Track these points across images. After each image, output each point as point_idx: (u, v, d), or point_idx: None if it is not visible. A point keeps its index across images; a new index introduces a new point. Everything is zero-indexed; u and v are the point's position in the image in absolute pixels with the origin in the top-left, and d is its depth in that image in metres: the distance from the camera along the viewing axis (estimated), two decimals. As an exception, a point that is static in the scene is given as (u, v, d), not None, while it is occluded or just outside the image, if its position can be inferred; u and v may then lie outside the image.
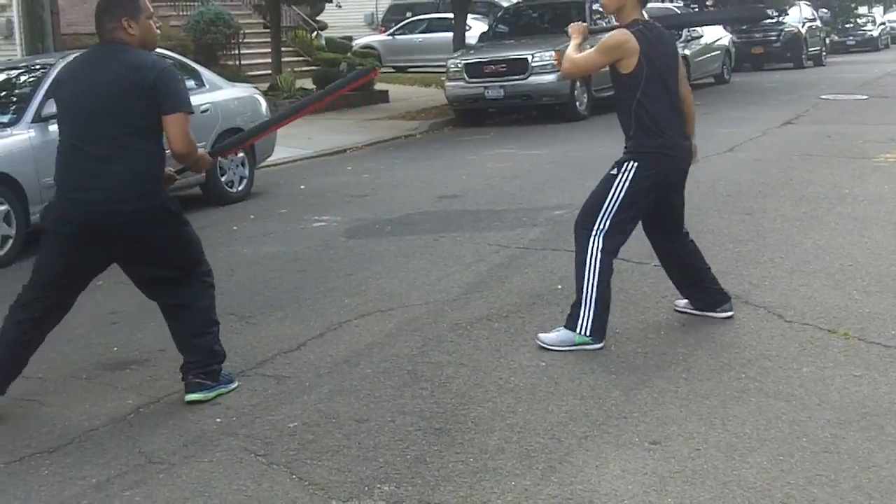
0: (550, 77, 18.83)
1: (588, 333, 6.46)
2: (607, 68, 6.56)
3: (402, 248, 9.90)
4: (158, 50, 14.41)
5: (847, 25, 48.32)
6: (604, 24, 9.72)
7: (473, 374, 6.28)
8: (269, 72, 25.92)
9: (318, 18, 34.19)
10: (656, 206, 6.70)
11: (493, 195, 12.31)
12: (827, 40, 39.79)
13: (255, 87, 15.96)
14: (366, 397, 6.02)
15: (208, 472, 5.14)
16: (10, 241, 10.34)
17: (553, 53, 17.29)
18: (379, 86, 27.61)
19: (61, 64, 11.69)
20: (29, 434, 5.85)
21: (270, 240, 10.90)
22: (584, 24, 6.83)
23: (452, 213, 11.46)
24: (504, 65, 20.11)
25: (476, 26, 30.70)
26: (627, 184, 6.44)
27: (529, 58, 19.65)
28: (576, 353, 6.49)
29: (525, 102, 20.33)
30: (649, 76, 6.38)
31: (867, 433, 5.10)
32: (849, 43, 46.38)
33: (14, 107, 11.41)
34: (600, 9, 17.57)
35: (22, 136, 10.78)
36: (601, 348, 6.49)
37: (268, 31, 27.86)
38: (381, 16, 42.64)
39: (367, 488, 4.84)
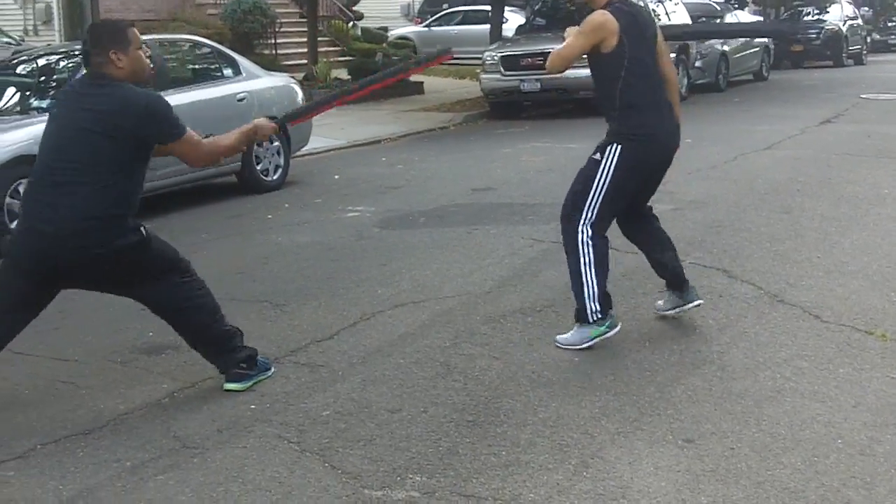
0: (587, 71, 18.61)
1: (599, 316, 6.41)
2: None
3: (435, 239, 9.90)
4: (194, 37, 14.56)
5: (889, 24, 47.88)
6: None
7: (506, 367, 6.28)
8: (305, 61, 25.95)
9: (354, 8, 34.18)
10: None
11: (527, 188, 12.30)
12: (868, 38, 39.55)
13: (292, 77, 15.97)
14: (398, 388, 6.03)
15: (242, 458, 5.16)
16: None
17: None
18: (414, 77, 27.59)
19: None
20: (65, 416, 5.88)
21: (304, 229, 10.92)
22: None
23: (486, 206, 11.45)
24: (541, 58, 19.92)
25: (513, 19, 30.62)
26: (612, 168, 6.36)
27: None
28: (609, 348, 6.48)
29: (561, 96, 20.24)
30: (632, 54, 6.29)
31: (903, 436, 5.07)
32: (890, 42, 45.90)
33: (53, 92, 11.47)
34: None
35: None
36: (618, 331, 6.47)
37: (304, 20, 27.87)
38: (417, 7, 42.63)
39: (399, 478, 4.85)
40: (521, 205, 11.25)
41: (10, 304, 5.83)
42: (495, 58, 21.33)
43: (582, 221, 6.40)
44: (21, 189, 9.74)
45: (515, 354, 6.49)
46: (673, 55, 22.31)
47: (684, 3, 24.29)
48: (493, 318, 7.23)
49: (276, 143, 13.73)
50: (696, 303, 6.89)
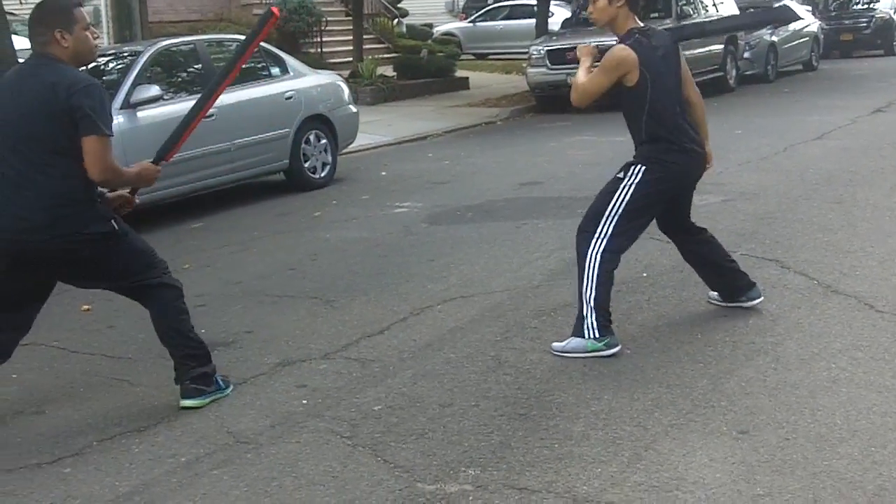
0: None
1: (597, 335, 6.32)
2: None
3: (483, 234, 9.89)
4: (241, 36, 14.60)
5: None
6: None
7: (557, 360, 6.26)
8: (351, 59, 25.99)
9: (399, 5, 34.25)
10: (669, 204, 6.63)
11: (574, 182, 12.25)
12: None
13: (338, 74, 16.02)
14: (449, 382, 6.03)
15: (295, 453, 5.18)
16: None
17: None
18: (460, 72, 27.63)
19: (149, 52, 11.88)
20: (120, 413, 5.94)
21: (353, 225, 10.94)
22: (593, 45, 6.66)
23: (534, 200, 11.43)
24: (587, 52, 19.95)
25: (559, 13, 30.57)
26: (633, 188, 6.33)
27: (614, 45, 19.33)
28: (661, 341, 6.47)
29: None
30: (654, 86, 6.27)
31: (961, 425, 5.01)
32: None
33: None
34: None
35: (110, 122, 10.90)
36: (617, 353, 6.32)
37: (349, 18, 27.94)
38: (462, 3, 42.62)
39: (452, 472, 4.85)
40: (569, 198, 11.22)
41: (11, 304, 5.75)
42: (541, 52, 21.31)
43: (596, 237, 6.36)
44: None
45: (566, 348, 6.48)
46: (721, 47, 22.25)
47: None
48: (542, 311, 7.21)
49: (324, 141, 13.78)
50: (756, 301, 6.86)
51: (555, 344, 6.50)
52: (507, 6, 36.63)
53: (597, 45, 6.54)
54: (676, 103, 6.41)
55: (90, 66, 5.59)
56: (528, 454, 4.98)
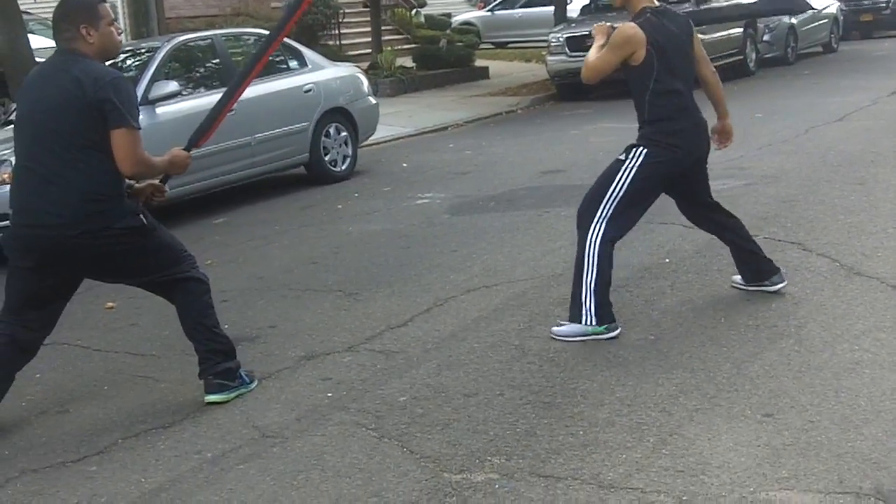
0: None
1: (595, 323, 6.37)
2: None
3: (505, 223, 9.90)
4: (259, 30, 14.62)
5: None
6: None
7: (581, 347, 6.26)
8: (370, 50, 26.01)
9: (417, -4, 34.26)
10: (680, 186, 6.65)
11: (596, 169, 12.00)
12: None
13: (357, 66, 16.03)
14: (474, 371, 6.04)
15: (321, 446, 5.20)
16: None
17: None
18: (479, 62, 27.60)
19: (167, 48, 11.91)
20: (144, 410, 5.97)
21: (375, 217, 10.96)
22: (608, 24, 6.63)
23: (556, 189, 11.43)
24: (606, 38, 19.88)
25: None
26: (635, 170, 6.34)
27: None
28: (684, 326, 6.47)
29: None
30: (660, 65, 6.27)
31: None
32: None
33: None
34: None
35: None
36: (618, 335, 6.38)
37: (367, 9, 27.94)
38: (480, -8, 42.55)
39: (478, 461, 4.86)
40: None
41: (37, 301, 5.75)
42: (560, 39, 21.26)
43: (596, 219, 6.39)
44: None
45: (590, 335, 6.48)
46: (740, 30, 22.16)
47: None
48: (566, 299, 7.17)
49: (344, 134, 13.81)
50: (779, 286, 6.85)
51: (555, 328, 6.54)
52: (525, -6, 36.55)
53: (612, 25, 6.54)
54: (683, 85, 6.39)
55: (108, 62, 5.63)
56: (553, 442, 4.99)
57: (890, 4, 33.10)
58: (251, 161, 12.46)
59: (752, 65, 23.05)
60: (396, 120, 18.72)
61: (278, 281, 8.61)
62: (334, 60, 15.98)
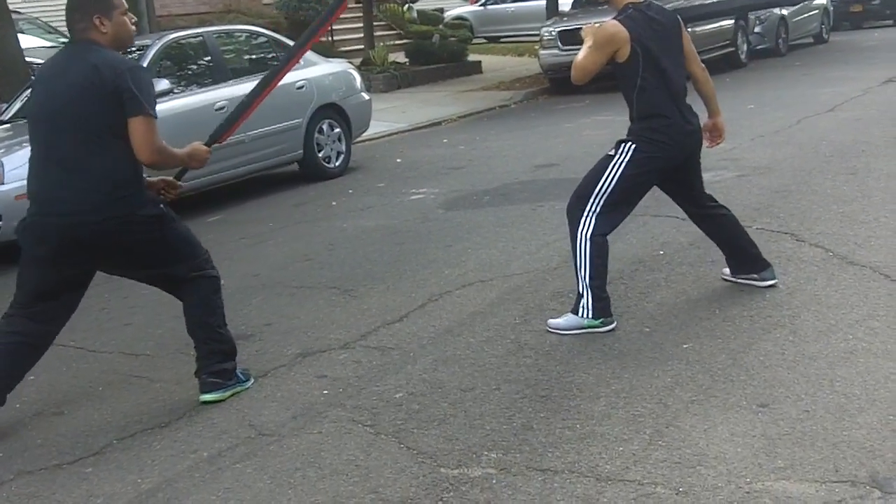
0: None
1: (591, 316, 6.38)
2: None
3: (500, 218, 9.90)
4: (250, 27, 14.61)
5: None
6: None
7: (577, 341, 6.27)
8: (362, 46, 26.01)
9: (409, -9, 34.24)
10: (674, 182, 6.65)
11: (590, 163, 11.95)
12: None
13: (349, 62, 16.03)
14: (470, 366, 6.04)
15: (318, 444, 5.20)
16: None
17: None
18: (472, 56, 27.60)
19: (158, 45, 11.90)
20: (140, 410, 5.97)
21: (369, 214, 10.96)
22: (597, 24, 6.56)
23: (550, 182, 11.43)
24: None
25: (568, -7, 30.50)
26: (623, 166, 6.33)
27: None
28: (679, 317, 6.47)
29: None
30: (646, 62, 6.26)
31: (981, 392, 5.01)
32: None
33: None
34: None
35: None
36: (613, 329, 6.39)
37: (360, 5, 27.91)
38: (472, -14, 42.52)
39: (474, 456, 4.87)
40: (585, 179, 11.20)
41: (49, 294, 5.73)
42: (553, 33, 21.27)
43: (585, 214, 6.40)
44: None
45: (585, 328, 6.49)
46: (731, 22, 22.19)
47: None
48: (561, 293, 7.22)
49: (337, 130, 13.82)
50: (770, 282, 6.85)
51: (551, 321, 6.55)
52: (517, -12, 36.54)
53: (600, 25, 6.54)
54: (672, 80, 6.38)
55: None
56: (550, 435, 5.00)
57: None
58: (245, 158, 12.46)
59: (743, 56, 23.07)
60: (390, 116, 18.73)
61: (273, 278, 8.61)
62: (327, 56, 15.97)
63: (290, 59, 6.65)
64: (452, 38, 28.20)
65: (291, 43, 13.92)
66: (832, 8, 29.65)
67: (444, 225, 9.93)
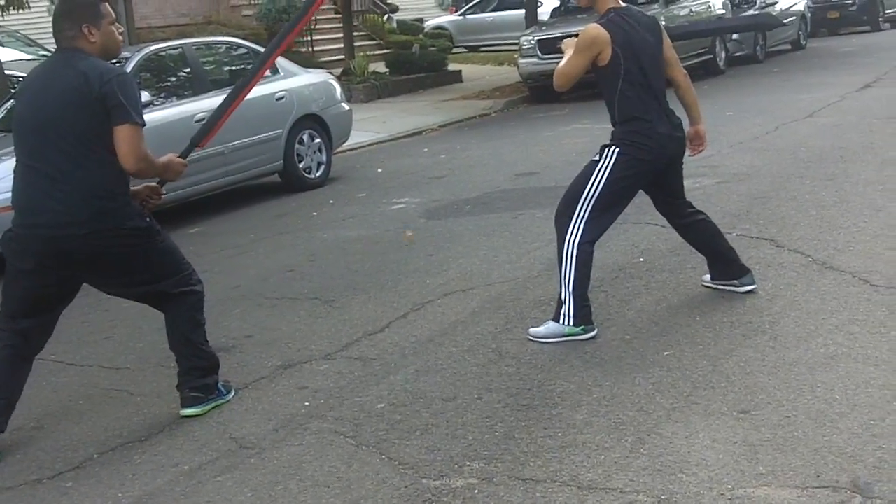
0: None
1: (572, 324, 6.39)
2: None
3: (481, 227, 9.90)
4: (230, 38, 14.59)
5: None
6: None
7: (558, 349, 6.27)
8: (342, 57, 25.99)
9: (388, 1, 34.23)
10: (657, 187, 6.68)
11: (571, 171, 12.05)
12: (904, 1, 38.99)
13: (329, 73, 16.02)
14: (452, 376, 6.04)
15: (299, 456, 5.19)
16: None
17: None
18: (452, 66, 27.62)
19: (137, 58, 11.87)
20: (120, 424, 5.95)
21: (350, 224, 10.95)
22: (575, 38, 6.56)
23: (531, 191, 11.44)
24: (577, 39, 19.86)
25: (547, 2, 30.50)
26: (608, 171, 6.36)
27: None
28: (659, 325, 6.47)
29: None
30: (627, 65, 6.29)
31: (961, 396, 5.02)
32: (928, 4, 45.25)
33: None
34: None
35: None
36: (594, 336, 6.40)
37: (339, 16, 27.92)
38: (451, -4, 42.57)
39: (456, 466, 4.86)
40: (566, 187, 11.12)
41: (34, 307, 5.69)
42: (532, 42, 21.29)
43: (573, 222, 6.42)
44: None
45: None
46: (710, 28, 22.20)
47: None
48: (542, 301, 7.22)
49: (318, 140, 13.81)
50: (749, 287, 6.86)
51: (532, 329, 6.56)
52: (496, -2, 36.59)
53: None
54: (653, 83, 6.40)
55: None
56: (532, 444, 5.00)
57: (856, 1, 33.26)
58: (225, 170, 12.44)
59: (721, 63, 23.12)
60: (370, 126, 18.72)
61: (254, 290, 8.59)
62: (308, 67, 15.95)
63: (262, 63, 6.65)
64: (432, 48, 28.20)
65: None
66: (809, 14, 29.75)
67: (425, 234, 9.93)
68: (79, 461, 5.49)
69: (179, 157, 6.01)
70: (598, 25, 6.29)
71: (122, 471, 5.29)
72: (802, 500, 4.20)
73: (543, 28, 22.27)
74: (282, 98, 13.29)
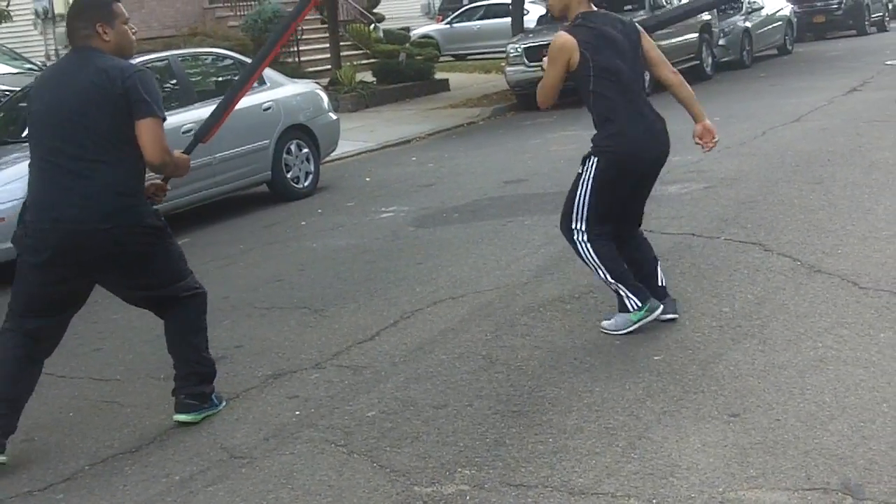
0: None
1: (639, 306, 6.42)
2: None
3: (470, 234, 9.91)
4: (216, 49, 14.57)
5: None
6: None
7: (548, 355, 6.28)
8: (329, 66, 25.99)
9: (375, 11, 34.27)
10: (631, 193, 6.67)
11: (558, 178, 12.23)
12: (890, 5, 39.08)
13: (316, 83, 16.02)
14: (442, 383, 6.05)
15: (290, 465, 5.19)
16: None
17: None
18: (439, 74, 27.64)
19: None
20: (111, 435, 5.93)
21: (339, 233, 10.95)
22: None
23: (519, 198, 11.45)
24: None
25: (534, 10, 30.57)
26: (591, 180, 6.39)
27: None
28: (649, 330, 6.46)
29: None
30: (596, 67, 6.29)
31: (950, 396, 5.04)
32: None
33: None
34: None
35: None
36: (660, 308, 6.46)
37: (326, 26, 27.93)
38: (437, 5, 42.62)
39: (448, 473, 4.86)
40: (554, 194, 11.20)
41: (45, 307, 5.65)
42: (519, 49, 21.35)
43: (575, 231, 6.48)
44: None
45: (557, 342, 6.50)
46: (696, 35, 22.31)
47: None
48: (532, 308, 7.23)
49: (306, 150, 13.81)
50: (669, 316, 6.66)
51: (605, 322, 6.60)
52: (482, 6, 36.63)
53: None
54: (627, 84, 6.38)
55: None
56: (522, 450, 5.00)
57: (842, 5, 33.39)
58: (213, 181, 12.42)
59: (708, 69, 23.21)
60: (358, 135, 18.72)
61: (244, 300, 8.58)
62: (295, 77, 15.96)
63: (260, 62, 6.67)
64: (419, 57, 28.23)
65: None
66: (796, 19, 29.86)
67: (414, 242, 9.93)
68: (70, 473, 5.47)
69: (184, 153, 6.04)
70: (563, 32, 6.33)
71: (114, 482, 5.28)
72: (793, 502, 4.21)
73: (530, 36, 22.31)
74: (269, 108, 13.29)
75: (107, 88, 5.38)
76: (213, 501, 4.90)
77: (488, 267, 8.55)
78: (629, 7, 21.24)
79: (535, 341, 6.56)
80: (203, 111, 11.50)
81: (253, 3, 30.34)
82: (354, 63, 26.90)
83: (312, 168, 13.98)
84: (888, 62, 22.09)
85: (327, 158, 14.98)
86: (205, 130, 6.37)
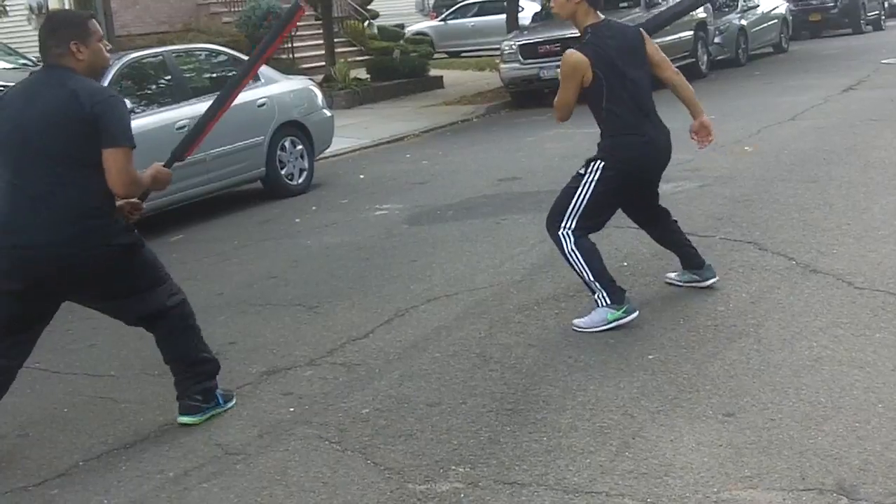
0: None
1: (608, 303, 6.48)
2: None
3: (464, 232, 9.91)
4: (210, 45, 14.54)
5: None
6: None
7: (542, 353, 6.28)
8: (323, 63, 25.96)
9: (369, 7, 34.20)
10: (638, 198, 6.82)
11: (553, 175, 12.22)
12: (885, 4, 39.08)
13: (311, 79, 16.00)
14: (436, 381, 6.04)
15: (284, 461, 5.18)
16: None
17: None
18: (433, 72, 27.63)
19: (116, 66, 11.82)
20: (105, 431, 5.92)
21: (333, 230, 10.94)
22: None
23: (513, 196, 11.45)
24: (558, 44, 19.72)
25: (528, 7, 30.59)
26: (595, 183, 6.46)
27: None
28: (644, 328, 6.48)
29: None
30: (610, 83, 6.38)
31: (944, 397, 5.04)
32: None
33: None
34: None
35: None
36: (636, 316, 6.53)
37: (320, 22, 27.89)
38: (432, 1, 42.61)
39: (442, 470, 4.86)
40: (548, 192, 11.15)
41: (15, 327, 5.56)
42: (513, 47, 21.30)
43: (561, 229, 6.53)
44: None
45: (551, 340, 6.50)
46: (691, 33, 22.29)
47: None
48: (526, 306, 7.23)
49: (300, 147, 13.79)
50: (711, 280, 7.01)
51: (576, 320, 6.65)
52: (476, 3, 36.65)
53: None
54: (639, 96, 6.48)
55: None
56: (517, 448, 5.00)
57: (837, 4, 33.39)
58: (207, 177, 12.40)
59: (703, 67, 23.18)
60: (352, 132, 18.69)
61: (238, 297, 8.57)
62: (289, 74, 15.92)
63: (241, 78, 6.57)
64: (413, 54, 28.20)
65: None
66: (791, 17, 29.86)
67: (408, 240, 9.93)
68: (64, 468, 5.46)
69: (164, 166, 5.91)
70: (575, 51, 6.40)
71: (108, 478, 5.27)
72: (788, 502, 4.21)
73: (525, 33, 22.28)
74: (263, 105, 13.26)
75: (75, 111, 5.22)
76: (208, 498, 4.89)
77: (482, 265, 8.55)
78: (625, 5, 21.23)
79: (529, 339, 6.56)
80: (197, 107, 11.51)
81: (247, -1, 30.32)
82: (349, 60, 26.87)
83: (306, 165, 13.96)
84: (884, 61, 22.10)
85: (321, 155, 14.95)
86: (183, 148, 6.22)
